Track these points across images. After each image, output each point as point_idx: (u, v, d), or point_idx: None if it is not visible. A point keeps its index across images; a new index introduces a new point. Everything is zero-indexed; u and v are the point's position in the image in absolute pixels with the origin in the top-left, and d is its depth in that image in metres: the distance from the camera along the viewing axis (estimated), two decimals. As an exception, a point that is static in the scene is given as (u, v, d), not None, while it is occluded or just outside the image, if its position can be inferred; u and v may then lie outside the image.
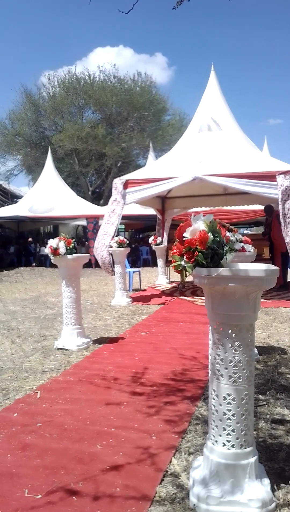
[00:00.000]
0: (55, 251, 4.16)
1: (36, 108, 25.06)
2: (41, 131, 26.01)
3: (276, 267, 1.67)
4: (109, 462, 2.12)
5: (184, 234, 1.70)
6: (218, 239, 1.64)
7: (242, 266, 1.76)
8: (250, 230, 23.33)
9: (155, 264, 11.86)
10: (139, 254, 16.52)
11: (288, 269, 8.47)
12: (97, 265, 11.50)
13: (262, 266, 1.70)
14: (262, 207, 9.59)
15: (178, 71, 54.93)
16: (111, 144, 22.83)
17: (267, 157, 9.54)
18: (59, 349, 4.32)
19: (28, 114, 25.05)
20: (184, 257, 1.68)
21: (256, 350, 3.84)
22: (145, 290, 8.98)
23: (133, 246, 15.82)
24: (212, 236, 1.63)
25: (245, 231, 23.03)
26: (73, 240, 4.32)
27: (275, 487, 1.85)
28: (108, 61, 43.20)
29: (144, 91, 24.81)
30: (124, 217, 11.48)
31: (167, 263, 9.79)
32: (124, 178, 7.59)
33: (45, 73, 35.42)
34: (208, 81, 9.13)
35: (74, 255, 4.26)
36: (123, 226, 19.82)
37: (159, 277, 10.10)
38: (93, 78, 24.71)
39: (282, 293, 7.78)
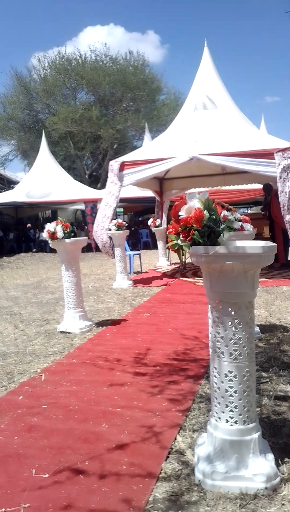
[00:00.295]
0: (52, 235, 4.15)
1: (28, 91, 24.57)
2: (34, 115, 25.58)
3: (274, 244, 1.65)
4: (115, 441, 2.15)
5: (180, 213, 1.68)
6: (214, 216, 1.62)
7: (239, 243, 1.74)
8: (250, 210, 23.22)
9: (155, 247, 11.86)
10: (139, 237, 16.49)
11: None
12: (97, 249, 11.51)
13: (260, 243, 1.68)
14: (261, 186, 9.51)
15: (172, 49, 53.86)
16: (106, 126, 22.48)
17: (265, 135, 9.39)
18: (62, 332, 4.35)
19: (20, 98, 24.58)
20: (180, 236, 1.66)
21: (258, 329, 3.86)
22: (146, 272, 8.99)
23: (132, 229, 15.78)
24: (208, 214, 1.61)
25: (246, 211, 22.92)
26: (72, 224, 4.29)
27: (280, 461, 1.88)
28: (99, 40, 42.24)
29: (137, 71, 24.25)
30: (123, 200, 11.42)
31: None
32: (120, 159, 7.50)
33: (35, 54, 34.67)
34: (201, 59, 8.93)
35: (72, 238, 4.25)
36: (122, 210, 19.70)
37: (160, 259, 10.10)
38: (85, 58, 24.15)
39: (284, 271, 7.77)
